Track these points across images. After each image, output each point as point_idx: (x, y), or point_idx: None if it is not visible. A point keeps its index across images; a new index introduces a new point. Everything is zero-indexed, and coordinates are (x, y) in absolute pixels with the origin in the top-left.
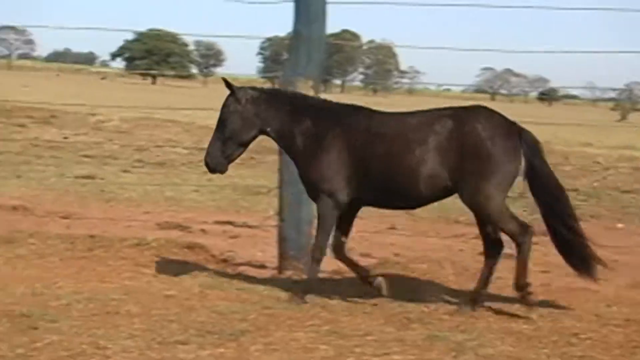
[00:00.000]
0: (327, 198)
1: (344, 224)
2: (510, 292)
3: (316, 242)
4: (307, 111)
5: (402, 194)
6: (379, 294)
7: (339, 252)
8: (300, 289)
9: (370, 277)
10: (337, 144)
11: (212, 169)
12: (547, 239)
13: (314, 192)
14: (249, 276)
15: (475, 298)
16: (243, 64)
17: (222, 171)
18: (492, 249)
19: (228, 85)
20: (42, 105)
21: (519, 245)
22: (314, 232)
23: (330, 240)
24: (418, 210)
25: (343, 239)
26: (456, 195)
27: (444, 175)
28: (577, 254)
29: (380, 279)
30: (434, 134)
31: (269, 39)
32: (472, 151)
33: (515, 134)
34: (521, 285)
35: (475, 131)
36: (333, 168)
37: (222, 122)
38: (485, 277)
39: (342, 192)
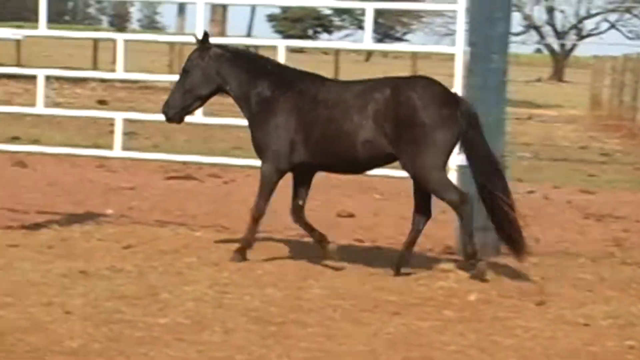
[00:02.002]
0: (269, 162)
1: (300, 188)
2: None
3: (255, 202)
4: (264, 74)
5: (343, 158)
6: (332, 258)
7: (297, 216)
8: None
9: (325, 242)
10: (285, 108)
11: (168, 119)
12: None
13: (259, 154)
14: None
15: (400, 262)
16: None
17: (178, 122)
18: (420, 215)
19: (197, 40)
20: None
21: (459, 214)
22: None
23: (290, 204)
24: None
25: (300, 202)
26: None
27: (381, 141)
28: (509, 229)
29: (333, 245)
30: (373, 102)
31: None
32: (407, 120)
33: (452, 103)
34: (469, 253)
35: (410, 100)
36: (279, 132)
37: (184, 75)
38: (410, 242)
39: (284, 157)
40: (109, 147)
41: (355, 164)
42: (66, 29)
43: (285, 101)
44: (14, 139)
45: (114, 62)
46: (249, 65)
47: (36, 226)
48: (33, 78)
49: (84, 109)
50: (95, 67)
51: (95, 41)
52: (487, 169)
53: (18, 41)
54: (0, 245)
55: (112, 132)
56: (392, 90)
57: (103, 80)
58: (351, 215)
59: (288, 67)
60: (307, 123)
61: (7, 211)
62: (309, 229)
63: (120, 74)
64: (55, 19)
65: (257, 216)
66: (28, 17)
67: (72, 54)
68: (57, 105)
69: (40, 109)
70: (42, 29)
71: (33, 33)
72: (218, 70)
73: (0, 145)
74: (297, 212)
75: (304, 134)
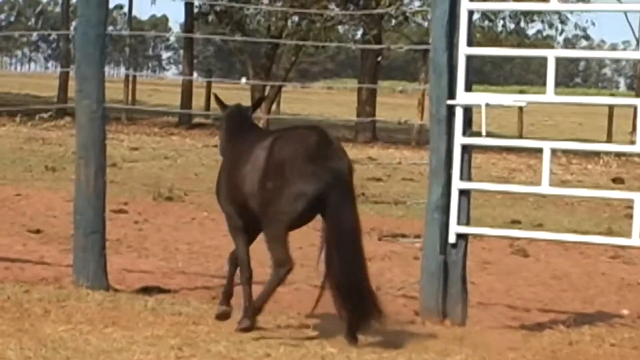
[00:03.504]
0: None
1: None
2: None
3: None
4: (232, 134)
5: (250, 216)
6: (221, 314)
7: (231, 261)
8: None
9: (229, 298)
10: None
11: None
12: None
13: None
14: None
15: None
16: None
17: None
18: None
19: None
20: None
21: (274, 274)
22: None
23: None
24: None
25: None
26: None
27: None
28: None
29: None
30: (257, 153)
31: None
32: (272, 171)
33: (318, 159)
34: (256, 307)
35: (278, 152)
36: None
37: None
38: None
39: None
40: (625, 234)
41: (256, 222)
42: (576, 93)
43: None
44: (514, 223)
45: (632, 132)
46: (230, 124)
47: (539, 326)
48: (537, 151)
49: (596, 189)
50: (609, 139)
51: (611, 108)
52: (338, 236)
53: (520, 108)
54: (498, 348)
55: (628, 216)
56: (271, 142)
57: (619, 155)
58: None
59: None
60: (227, 177)
61: (505, 307)
62: (230, 278)
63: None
64: (563, 81)
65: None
66: (532, 80)
67: (583, 122)
68: (564, 183)
69: (545, 188)
70: (549, 94)
71: (538, 99)
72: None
73: (497, 230)
74: (233, 258)
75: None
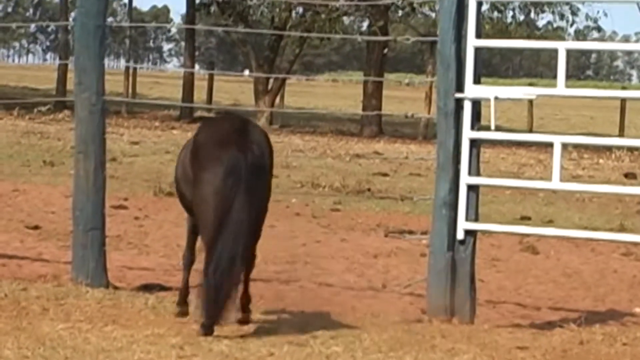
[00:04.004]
0: None
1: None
2: None
3: None
4: None
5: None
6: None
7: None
8: None
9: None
10: None
11: None
12: None
13: None
14: None
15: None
16: None
17: None
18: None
19: None
20: None
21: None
22: None
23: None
24: None
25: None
26: None
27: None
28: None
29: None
30: (190, 140)
31: None
32: (192, 155)
33: (227, 147)
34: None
35: (196, 141)
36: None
37: None
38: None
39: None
40: (638, 230)
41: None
42: (588, 86)
43: None
44: (524, 219)
45: None
46: None
47: (549, 325)
48: (547, 146)
49: (608, 184)
50: (621, 133)
51: (623, 101)
52: (223, 225)
53: (530, 102)
54: (507, 348)
55: None
56: (198, 128)
57: (631, 149)
58: None
59: None
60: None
61: (515, 306)
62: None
63: None
64: (574, 74)
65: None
66: (542, 73)
67: (594, 116)
68: (575, 178)
69: (555, 183)
70: (560, 87)
71: (548, 92)
72: None
73: (507, 227)
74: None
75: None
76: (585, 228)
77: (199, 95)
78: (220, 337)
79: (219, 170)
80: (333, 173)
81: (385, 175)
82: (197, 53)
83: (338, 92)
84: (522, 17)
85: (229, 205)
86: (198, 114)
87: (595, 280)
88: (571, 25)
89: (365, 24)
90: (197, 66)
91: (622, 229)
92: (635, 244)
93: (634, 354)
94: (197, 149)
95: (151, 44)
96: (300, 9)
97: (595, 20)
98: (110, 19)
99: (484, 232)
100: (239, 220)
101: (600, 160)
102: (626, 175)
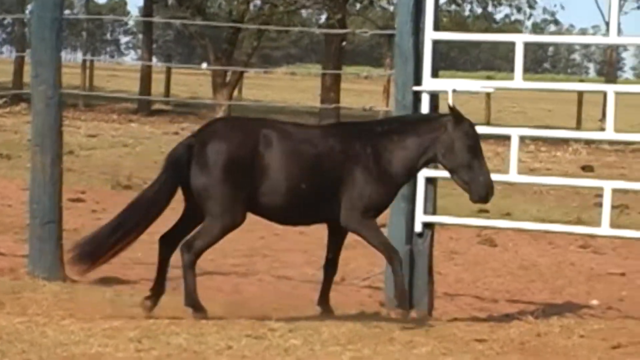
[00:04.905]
0: None
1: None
2: None
3: None
4: None
5: None
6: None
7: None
8: None
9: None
10: None
11: None
12: None
13: None
14: None
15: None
16: None
17: None
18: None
19: None
20: None
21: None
22: None
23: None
24: None
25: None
26: None
27: None
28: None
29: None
30: None
31: None
32: None
33: (188, 142)
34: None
35: None
36: None
37: None
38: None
39: None
40: (595, 223)
41: None
42: (545, 79)
43: None
44: (482, 212)
45: (602, 119)
46: None
47: (506, 317)
48: (504, 139)
49: (565, 177)
50: (579, 126)
51: (580, 94)
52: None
53: (488, 95)
54: (465, 340)
55: (598, 204)
56: None
57: (588, 142)
58: None
59: None
60: None
61: (473, 298)
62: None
63: (609, 134)
64: (532, 67)
65: None
66: (500, 66)
67: (552, 109)
68: (532, 171)
69: (512, 176)
70: (518, 80)
71: (506, 85)
72: None
73: (465, 219)
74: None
75: None
76: (543, 221)
77: (157, 88)
78: (178, 331)
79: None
80: None
81: None
82: (154, 46)
83: (296, 85)
84: (479, 11)
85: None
86: (156, 106)
87: (552, 272)
88: (528, 18)
89: (323, 17)
90: (154, 59)
91: (579, 221)
92: (592, 236)
93: (591, 346)
94: None
95: (108, 36)
96: (258, 2)
97: (553, 14)
98: (67, 12)
99: (442, 224)
100: (138, 199)
101: (558, 153)
102: (583, 168)
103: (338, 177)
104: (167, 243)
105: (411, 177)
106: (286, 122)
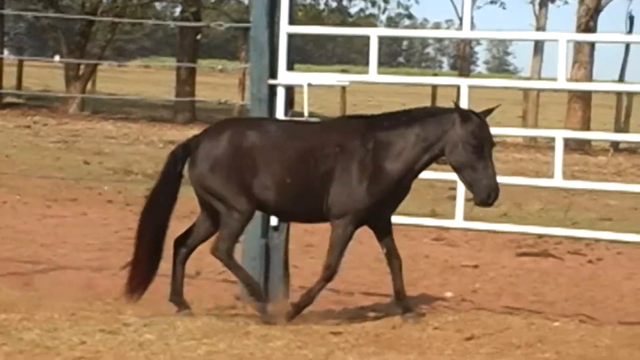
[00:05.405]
0: None
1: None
2: None
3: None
4: None
5: None
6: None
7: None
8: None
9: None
10: None
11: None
12: None
13: None
14: None
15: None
16: None
17: None
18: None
19: None
20: None
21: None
22: None
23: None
24: None
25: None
26: None
27: None
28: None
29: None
30: None
31: None
32: None
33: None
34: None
35: None
36: None
37: None
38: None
39: None
40: (449, 216)
41: None
42: (399, 73)
43: None
44: None
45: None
46: None
47: (362, 310)
48: None
49: None
50: None
51: (434, 88)
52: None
53: (343, 88)
54: (321, 333)
55: (451, 197)
56: None
57: None
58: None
59: None
60: None
61: (329, 291)
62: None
63: None
64: (386, 61)
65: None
66: (355, 60)
67: (406, 102)
68: None
69: None
70: (372, 73)
71: (361, 78)
72: None
73: None
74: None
75: None
76: (397, 213)
77: (8, 81)
78: (31, 326)
79: None
80: (146, 160)
81: None
82: (5, 38)
83: (151, 79)
84: (334, 4)
85: None
86: (7, 100)
87: (407, 265)
88: (383, 12)
89: (177, 10)
90: (6, 51)
91: (433, 214)
92: (446, 229)
93: (444, 338)
94: None
95: None
96: None
97: (407, 8)
98: None
99: None
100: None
101: None
102: (437, 161)
103: (330, 172)
104: (182, 245)
105: (417, 174)
106: (285, 120)
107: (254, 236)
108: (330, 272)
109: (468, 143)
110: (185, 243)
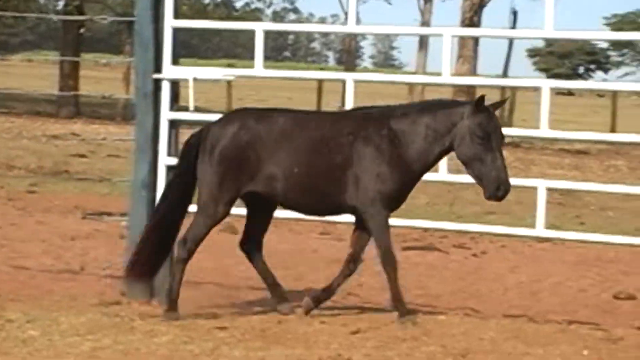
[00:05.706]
0: None
1: None
2: None
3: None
4: None
5: None
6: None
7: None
8: None
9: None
10: None
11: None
12: None
13: None
14: None
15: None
16: None
17: None
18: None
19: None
20: None
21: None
22: None
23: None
24: None
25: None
26: None
27: None
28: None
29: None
30: None
31: None
32: None
33: (201, 133)
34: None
35: None
36: None
37: None
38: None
39: None
40: None
41: None
42: (286, 67)
43: None
44: None
45: (341, 106)
46: None
47: (248, 305)
48: None
49: None
50: None
51: (320, 82)
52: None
53: (229, 82)
54: (207, 328)
55: None
56: None
57: None
58: (632, 298)
59: None
60: None
61: (214, 286)
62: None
63: None
64: (272, 55)
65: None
66: (240, 54)
67: (292, 97)
68: None
69: None
70: (258, 68)
71: (246, 73)
72: None
73: None
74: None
75: None
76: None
77: None
78: None
79: None
80: (29, 154)
81: (83, 156)
82: None
83: (34, 72)
84: None
85: None
86: None
87: (294, 259)
88: (269, 6)
89: (61, 3)
90: None
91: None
92: (332, 223)
93: (331, 332)
94: None
95: None
96: None
97: (292, 2)
98: None
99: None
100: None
101: None
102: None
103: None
104: (248, 247)
105: (428, 167)
106: (298, 110)
107: (139, 231)
108: (391, 257)
109: (476, 135)
110: (252, 243)
